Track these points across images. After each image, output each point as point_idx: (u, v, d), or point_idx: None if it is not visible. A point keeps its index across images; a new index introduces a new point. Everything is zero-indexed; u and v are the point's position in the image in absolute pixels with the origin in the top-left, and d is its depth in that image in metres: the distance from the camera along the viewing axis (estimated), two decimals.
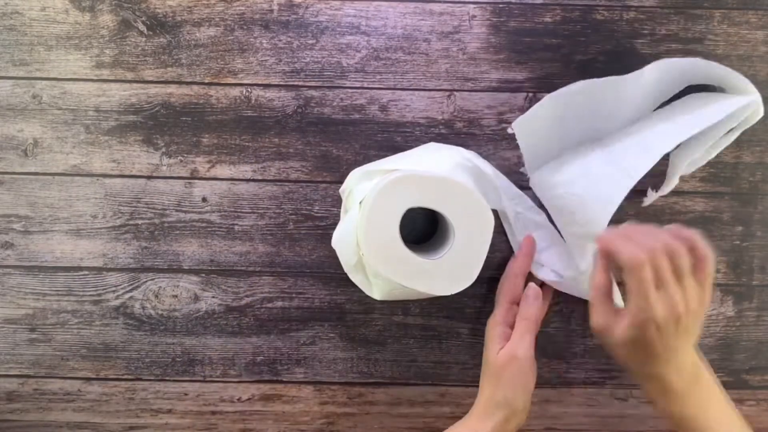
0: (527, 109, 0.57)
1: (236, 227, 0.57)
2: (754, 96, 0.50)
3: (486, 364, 0.52)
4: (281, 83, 0.56)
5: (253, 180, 0.57)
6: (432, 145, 0.55)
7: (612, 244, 0.43)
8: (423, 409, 0.59)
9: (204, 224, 0.57)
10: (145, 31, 0.56)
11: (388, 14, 0.56)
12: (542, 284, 0.54)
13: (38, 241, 0.57)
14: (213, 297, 0.58)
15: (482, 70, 0.56)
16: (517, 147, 0.57)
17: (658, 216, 0.57)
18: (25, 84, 0.56)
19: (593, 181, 0.49)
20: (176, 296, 0.57)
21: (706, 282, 0.42)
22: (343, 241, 0.49)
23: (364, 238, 0.46)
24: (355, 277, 0.50)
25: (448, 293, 0.48)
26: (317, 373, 0.59)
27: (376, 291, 0.49)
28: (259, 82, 0.56)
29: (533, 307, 0.52)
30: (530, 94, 0.57)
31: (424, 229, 0.57)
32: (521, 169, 0.56)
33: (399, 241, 0.47)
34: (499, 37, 0.56)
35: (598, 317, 0.44)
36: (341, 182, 0.54)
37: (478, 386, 0.56)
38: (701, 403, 0.45)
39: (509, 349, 0.50)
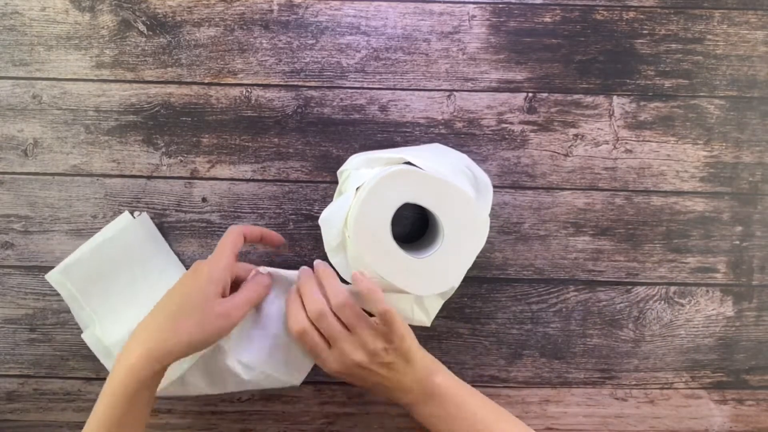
0: (527, 109, 0.57)
1: None
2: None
3: (199, 299, 0.46)
4: (281, 83, 0.56)
5: (253, 180, 0.57)
6: (438, 146, 0.55)
7: (287, 306, 0.50)
8: None
9: (204, 224, 0.57)
10: (145, 31, 0.56)
11: (388, 14, 0.56)
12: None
13: (38, 241, 0.57)
14: None
15: (482, 70, 0.56)
16: (517, 147, 0.57)
17: (657, 215, 0.57)
18: (25, 84, 0.56)
19: None
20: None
21: (390, 326, 0.47)
22: (331, 220, 0.49)
23: (355, 223, 0.46)
24: (334, 258, 0.50)
25: (422, 293, 0.48)
26: (317, 373, 0.58)
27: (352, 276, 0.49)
28: (259, 82, 0.56)
29: (262, 287, 0.50)
30: (530, 94, 0.57)
31: (414, 228, 0.57)
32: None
33: (388, 232, 0.47)
34: (499, 37, 0.56)
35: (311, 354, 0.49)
36: None
37: (477, 386, 0.56)
38: (439, 414, 0.49)
39: (231, 307, 0.47)
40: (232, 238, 0.49)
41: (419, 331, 0.58)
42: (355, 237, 0.46)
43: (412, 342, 0.49)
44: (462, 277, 0.54)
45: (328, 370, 0.49)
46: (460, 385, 0.50)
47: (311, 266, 0.54)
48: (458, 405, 0.49)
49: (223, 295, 0.47)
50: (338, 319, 0.48)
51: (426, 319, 0.55)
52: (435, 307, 0.55)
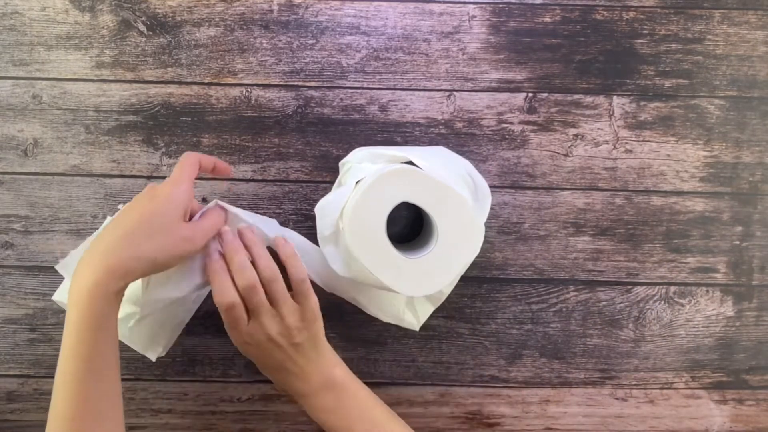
0: (527, 109, 0.57)
1: None
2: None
3: (162, 222, 0.43)
4: (281, 83, 0.56)
5: (253, 180, 0.57)
6: (442, 150, 0.55)
7: (211, 275, 0.47)
8: (423, 409, 0.59)
9: None
10: (145, 31, 0.56)
11: (388, 14, 0.56)
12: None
13: (38, 241, 0.57)
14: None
15: (482, 70, 0.56)
16: (517, 147, 0.57)
17: (657, 215, 0.57)
18: (25, 84, 0.56)
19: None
20: None
21: (304, 300, 0.47)
22: (327, 209, 0.49)
23: (351, 215, 0.46)
24: (326, 247, 0.50)
25: (408, 294, 0.48)
26: None
27: (342, 266, 0.49)
28: (259, 82, 0.56)
29: (221, 219, 0.48)
30: (530, 94, 0.57)
31: (410, 229, 0.57)
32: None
33: (383, 228, 0.47)
34: (499, 37, 0.56)
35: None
36: None
37: (477, 386, 0.56)
38: (334, 407, 0.48)
39: (197, 230, 0.45)
40: (189, 163, 0.47)
41: (419, 332, 0.58)
42: (349, 229, 0.46)
43: (321, 328, 0.49)
44: (452, 284, 0.54)
45: (240, 343, 0.47)
46: (358, 382, 0.50)
47: None
48: (354, 399, 0.49)
49: (185, 220, 0.45)
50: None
51: (416, 323, 0.55)
52: (425, 312, 0.55)
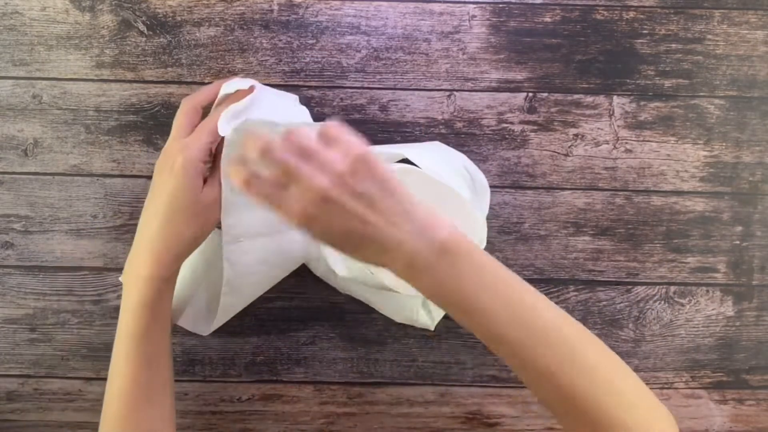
0: (527, 108, 0.57)
1: None
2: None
3: (186, 198, 0.44)
4: (281, 83, 0.56)
5: None
6: (437, 145, 0.55)
7: (223, 162, 0.44)
8: (423, 409, 0.59)
9: None
10: (145, 31, 0.56)
11: (388, 14, 0.56)
12: None
13: (38, 241, 0.57)
14: None
15: (482, 70, 0.56)
16: (517, 147, 0.57)
17: (657, 215, 0.57)
18: (25, 84, 0.56)
19: None
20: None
21: (341, 142, 0.36)
22: None
23: None
24: (327, 249, 0.50)
25: (410, 293, 0.48)
26: (317, 373, 0.59)
27: (343, 268, 0.49)
28: (260, 82, 0.56)
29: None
30: (530, 94, 0.57)
31: None
32: None
33: None
34: (499, 37, 0.56)
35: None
36: None
37: (477, 386, 0.56)
38: (457, 274, 0.37)
39: (216, 191, 0.46)
40: (184, 117, 0.46)
41: (419, 330, 0.58)
42: None
43: (393, 177, 0.37)
44: None
45: (294, 216, 0.36)
46: (473, 244, 0.38)
47: None
48: (474, 265, 0.37)
49: (204, 179, 0.46)
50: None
51: (430, 323, 0.55)
52: (440, 311, 0.55)
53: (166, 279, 0.45)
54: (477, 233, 0.49)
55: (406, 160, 0.51)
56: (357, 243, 0.37)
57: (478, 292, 0.37)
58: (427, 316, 0.55)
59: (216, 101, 0.48)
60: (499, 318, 0.37)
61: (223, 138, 0.45)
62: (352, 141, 0.37)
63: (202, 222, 0.45)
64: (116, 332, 0.45)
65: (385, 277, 0.47)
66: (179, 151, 0.44)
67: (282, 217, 0.36)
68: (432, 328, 0.56)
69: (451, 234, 0.37)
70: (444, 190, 0.47)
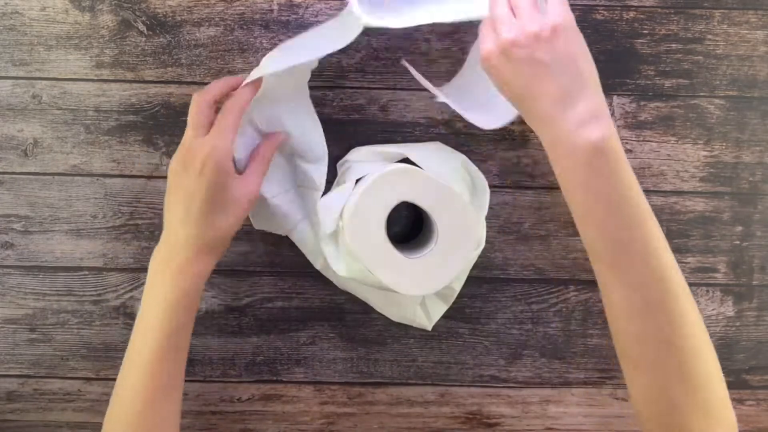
0: None
1: None
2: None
3: (222, 194, 0.45)
4: None
5: None
6: (437, 145, 0.55)
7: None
8: (423, 409, 0.59)
9: None
10: (145, 31, 0.56)
11: None
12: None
13: (38, 241, 0.57)
14: (213, 297, 0.57)
15: None
16: (517, 147, 0.57)
17: (657, 215, 0.57)
18: (25, 84, 0.56)
19: None
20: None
21: (552, 4, 0.41)
22: (329, 208, 0.49)
23: (351, 215, 0.47)
24: (326, 247, 0.50)
25: (407, 293, 0.48)
26: (317, 373, 0.59)
27: (343, 267, 0.49)
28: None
29: (271, 150, 0.49)
30: None
31: (410, 229, 0.57)
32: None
33: (382, 228, 0.47)
34: None
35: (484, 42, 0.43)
36: None
37: (477, 386, 0.56)
38: (595, 175, 0.40)
39: (251, 185, 0.47)
40: (204, 115, 0.46)
41: (419, 331, 0.58)
42: (349, 229, 0.47)
43: (581, 47, 0.42)
44: (461, 281, 0.54)
45: (500, 45, 0.41)
46: (620, 154, 0.40)
47: (311, 266, 0.53)
48: (609, 182, 0.39)
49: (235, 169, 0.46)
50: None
51: (428, 323, 0.55)
52: (438, 311, 0.55)
53: (204, 274, 0.46)
54: (476, 232, 0.49)
55: (406, 160, 0.51)
56: (522, 102, 0.42)
57: (599, 199, 0.39)
58: (425, 316, 0.55)
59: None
60: (605, 231, 0.39)
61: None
62: (559, 9, 0.40)
63: (239, 214, 0.46)
64: (137, 324, 0.45)
65: (384, 276, 0.47)
66: (208, 153, 0.44)
67: (492, 41, 0.42)
68: (429, 329, 0.56)
69: (603, 138, 0.39)
70: (444, 190, 0.47)
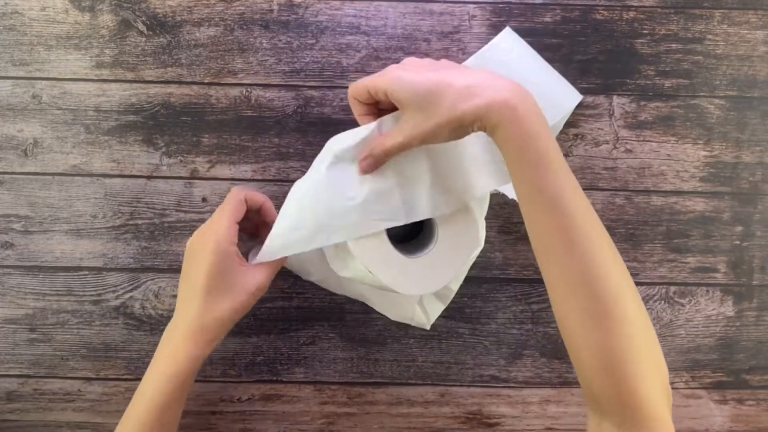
0: None
1: None
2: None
3: (227, 280, 0.47)
4: (281, 83, 0.56)
5: (253, 180, 0.57)
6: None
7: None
8: (423, 409, 0.59)
9: None
10: (145, 31, 0.56)
11: (388, 14, 0.56)
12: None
13: (38, 241, 0.57)
14: None
15: None
16: None
17: (657, 215, 0.57)
18: (25, 84, 0.56)
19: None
20: (176, 296, 0.57)
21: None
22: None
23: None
24: (327, 249, 0.50)
25: (407, 293, 0.48)
26: (317, 373, 0.59)
27: (342, 266, 0.49)
28: (259, 82, 0.56)
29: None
30: None
31: (411, 229, 0.57)
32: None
33: (385, 238, 0.47)
34: None
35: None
36: None
37: (477, 386, 0.56)
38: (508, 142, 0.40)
39: (261, 279, 0.47)
40: (232, 206, 0.48)
41: (419, 330, 0.58)
42: (354, 243, 0.46)
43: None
44: (459, 281, 0.54)
45: (407, 79, 0.42)
46: (533, 106, 0.41)
47: None
48: (528, 144, 0.40)
49: (240, 260, 0.47)
50: None
51: (426, 322, 0.55)
52: (436, 310, 0.55)
53: (198, 357, 0.46)
54: (476, 233, 0.49)
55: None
56: (455, 108, 0.41)
57: (524, 167, 0.40)
58: (423, 315, 0.55)
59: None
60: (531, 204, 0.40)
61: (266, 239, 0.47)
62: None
63: (240, 301, 0.46)
64: (136, 393, 0.46)
65: (383, 276, 0.47)
66: (211, 235, 0.46)
67: (394, 84, 0.43)
68: (428, 327, 0.56)
69: (512, 86, 0.40)
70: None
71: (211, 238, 0.46)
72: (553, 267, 0.40)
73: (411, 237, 0.57)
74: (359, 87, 0.46)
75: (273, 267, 0.48)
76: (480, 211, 0.52)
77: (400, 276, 0.47)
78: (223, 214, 0.47)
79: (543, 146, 0.40)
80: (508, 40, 0.55)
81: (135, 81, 0.56)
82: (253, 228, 0.52)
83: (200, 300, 0.45)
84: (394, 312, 0.55)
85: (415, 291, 0.48)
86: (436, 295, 0.55)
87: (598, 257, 0.38)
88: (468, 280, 0.57)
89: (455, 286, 0.55)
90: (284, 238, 0.47)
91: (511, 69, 0.54)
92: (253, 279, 0.46)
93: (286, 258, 0.48)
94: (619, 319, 0.37)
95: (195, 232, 0.48)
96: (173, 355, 0.46)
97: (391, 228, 0.47)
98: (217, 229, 0.46)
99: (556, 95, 0.55)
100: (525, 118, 0.39)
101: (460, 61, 0.56)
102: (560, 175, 0.40)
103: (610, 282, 0.38)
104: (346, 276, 0.49)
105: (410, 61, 0.45)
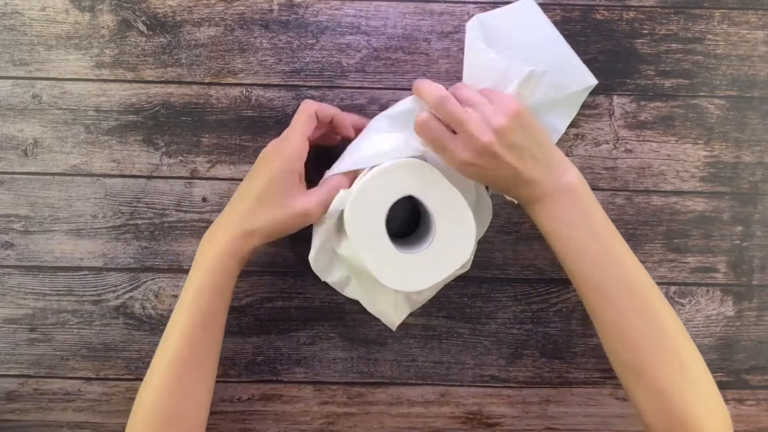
0: None
1: None
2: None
3: (282, 189, 0.48)
4: (281, 83, 0.56)
5: None
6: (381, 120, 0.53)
7: (419, 84, 0.47)
8: (423, 409, 0.59)
9: (204, 224, 0.57)
10: (145, 31, 0.56)
11: (388, 14, 0.56)
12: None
13: (38, 241, 0.57)
14: None
15: None
16: None
17: (657, 215, 0.57)
18: (25, 84, 0.56)
19: None
20: (176, 296, 0.57)
21: (500, 97, 0.46)
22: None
23: (356, 197, 0.47)
24: (328, 221, 0.50)
25: (388, 285, 0.48)
26: (317, 373, 0.59)
27: (338, 241, 0.50)
28: (259, 82, 0.56)
29: (342, 185, 0.50)
30: None
31: (407, 226, 0.58)
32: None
33: (382, 216, 0.48)
34: None
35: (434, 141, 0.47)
36: None
37: (477, 386, 0.56)
38: (561, 215, 0.46)
39: (312, 206, 0.48)
40: (303, 122, 0.49)
41: (419, 331, 0.58)
42: (351, 209, 0.47)
43: (536, 126, 0.46)
44: (436, 289, 0.54)
45: (458, 161, 0.45)
46: (594, 198, 0.47)
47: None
48: (586, 211, 0.46)
49: (301, 182, 0.48)
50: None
51: (395, 321, 0.55)
52: (403, 312, 0.55)
53: (233, 256, 0.47)
54: (469, 247, 0.49)
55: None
56: (505, 184, 0.47)
57: (580, 229, 0.45)
58: (394, 314, 0.55)
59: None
60: (588, 257, 0.45)
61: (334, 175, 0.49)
62: (507, 97, 0.46)
63: (285, 222, 0.47)
64: (178, 300, 0.48)
65: (371, 262, 0.47)
66: (282, 149, 0.48)
67: (444, 159, 0.46)
68: (394, 328, 0.56)
69: (576, 177, 0.46)
70: (451, 193, 0.48)
71: (281, 153, 0.48)
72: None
73: (404, 233, 0.57)
74: (428, 126, 0.46)
75: (323, 196, 0.48)
76: (479, 232, 0.52)
77: (386, 267, 0.48)
78: (295, 131, 0.48)
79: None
80: (528, 6, 0.54)
81: (135, 81, 0.56)
82: (323, 138, 0.53)
83: (249, 205, 0.47)
84: (368, 301, 0.55)
85: (396, 286, 0.48)
86: (408, 297, 0.55)
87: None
88: (468, 280, 0.57)
89: (429, 295, 0.55)
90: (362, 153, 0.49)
91: (526, 37, 0.54)
92: (300, 202, 0.47)
93: (337, 192, 0.48)
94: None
95: (271, 142, 0.49)
96: (211, 252, 0.47)
97: (392, 220, 0.47)
98: (288, 145, 0.48)
99: (570, 70, 0.55)
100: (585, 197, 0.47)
101: (460, 60, 0.56)
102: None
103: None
104: (342, 254, 0.50)
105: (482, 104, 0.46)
